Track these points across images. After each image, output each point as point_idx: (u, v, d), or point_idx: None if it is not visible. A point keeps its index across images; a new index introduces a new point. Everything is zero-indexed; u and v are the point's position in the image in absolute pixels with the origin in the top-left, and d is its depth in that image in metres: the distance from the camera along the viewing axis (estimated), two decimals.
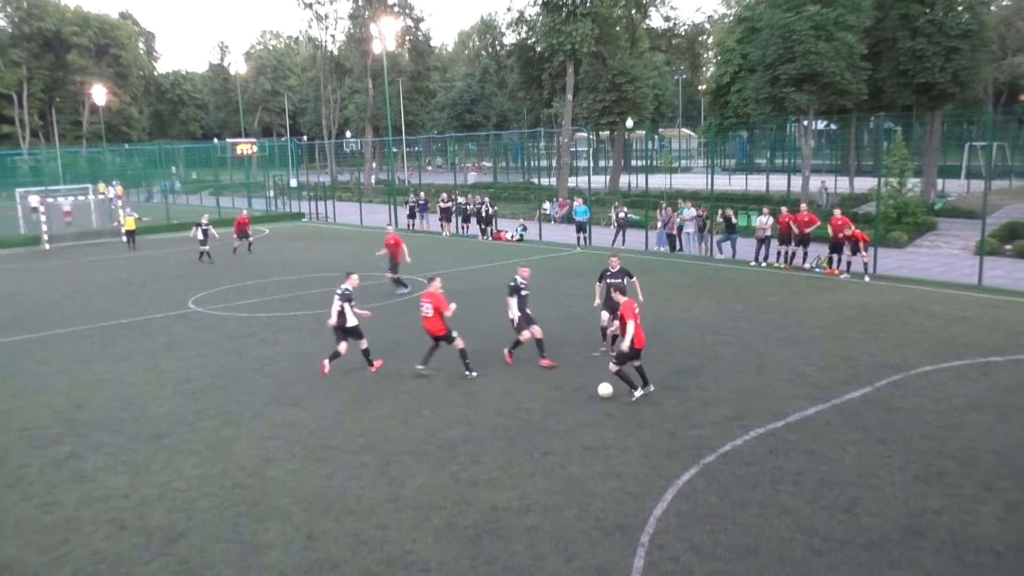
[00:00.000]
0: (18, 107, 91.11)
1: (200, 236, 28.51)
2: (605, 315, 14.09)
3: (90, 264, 29.68)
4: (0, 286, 25.25)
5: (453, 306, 13.22)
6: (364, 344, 14.00)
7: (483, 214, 33.86)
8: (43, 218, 35.43)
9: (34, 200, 36.11)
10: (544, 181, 51.95)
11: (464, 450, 10.29)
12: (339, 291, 13.58)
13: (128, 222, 34.48)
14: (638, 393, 11.82)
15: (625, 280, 13.99)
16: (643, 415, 11.39)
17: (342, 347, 13.68)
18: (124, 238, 34.52)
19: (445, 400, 12.32)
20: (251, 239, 30.86)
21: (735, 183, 52.67)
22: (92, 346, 16.81)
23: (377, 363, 14.14)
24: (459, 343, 13.26)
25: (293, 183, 53.55)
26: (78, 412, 12.43)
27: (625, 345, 11.59)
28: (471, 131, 73.32)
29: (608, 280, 14.10)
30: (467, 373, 13.31)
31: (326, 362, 13.80)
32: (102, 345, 16.85)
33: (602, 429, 10.84)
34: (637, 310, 11.94)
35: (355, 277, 13.90)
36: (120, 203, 38.12)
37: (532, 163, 69.52)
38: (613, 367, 11.88)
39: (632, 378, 11.92)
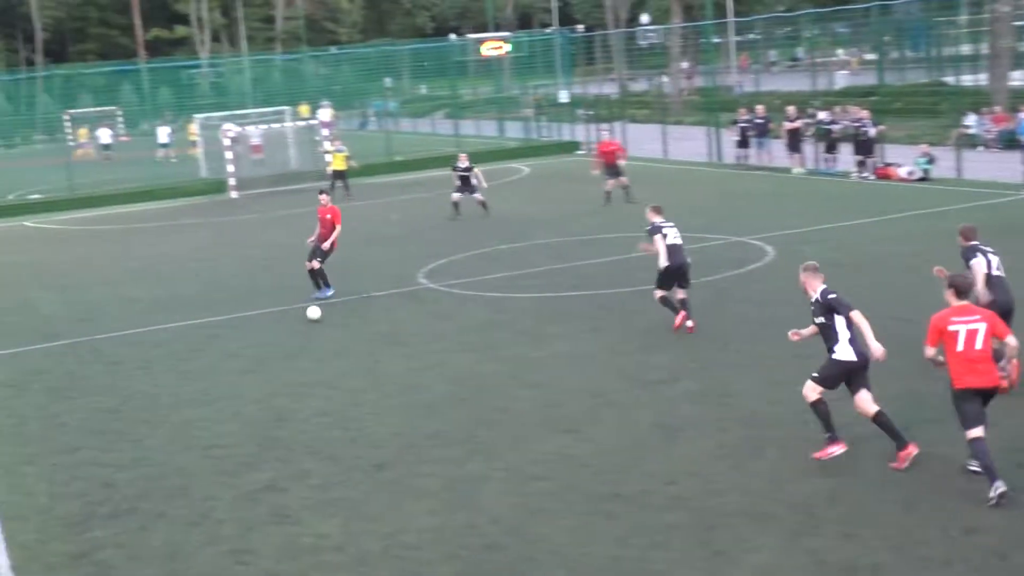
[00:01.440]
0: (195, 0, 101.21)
1: (457, 182, 29.65)
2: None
3: (289, 220, 32.36)
4: (181, 251, 28.84)
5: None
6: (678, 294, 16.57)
7: (861, 138, 32.83)
8: (229, 155, 39.30)
9: (231, 132, 39.57)
10: (966, 80, 48.86)
11: (829, 514, 10.00)
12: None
13: (337, 160, 37.32)
14: (996, 491, 9.84)
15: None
16: None
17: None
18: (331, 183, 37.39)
19: (808, 434, 11.99)
20: (625, 179, 30.35)
21: None
22: (291, 334, 18.59)
23: (682, 321, 16.47)
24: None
25: (563, 97, 54.96)
26: (277, 427, 13.79)
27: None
28: (840, 4, 70.71)
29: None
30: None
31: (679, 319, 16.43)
32: (304, 333, 18.55)
33: None
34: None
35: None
36: (327, 133, 41.22)
37: (943, 51, 65.62)
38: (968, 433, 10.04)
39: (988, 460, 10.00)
